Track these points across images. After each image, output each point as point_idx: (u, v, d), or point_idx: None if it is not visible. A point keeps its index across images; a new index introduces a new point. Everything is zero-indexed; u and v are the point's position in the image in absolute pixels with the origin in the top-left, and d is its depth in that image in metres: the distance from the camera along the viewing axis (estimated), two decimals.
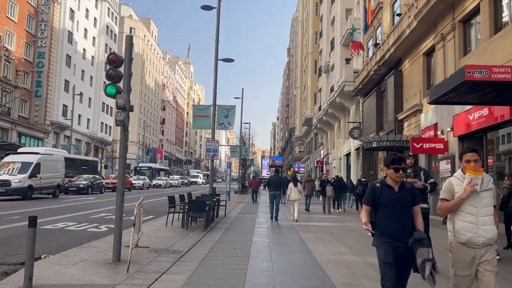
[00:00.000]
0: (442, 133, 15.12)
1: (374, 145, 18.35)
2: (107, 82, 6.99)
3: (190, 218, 11.46)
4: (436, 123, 15.75)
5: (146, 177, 50.69)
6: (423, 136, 16.59)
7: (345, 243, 9.45)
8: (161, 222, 12.16)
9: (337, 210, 19.54)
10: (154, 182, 53.22)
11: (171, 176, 66.60)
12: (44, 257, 7.21)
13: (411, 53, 18.75)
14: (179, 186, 58.31)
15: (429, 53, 17.27)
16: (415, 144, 14.85)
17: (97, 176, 35.06)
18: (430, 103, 10.07)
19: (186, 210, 11.22)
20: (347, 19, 31.07)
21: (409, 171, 6.90)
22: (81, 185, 29.42)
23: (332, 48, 34.97)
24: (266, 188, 27.91)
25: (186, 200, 13.03)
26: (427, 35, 16.74)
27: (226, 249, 8.36)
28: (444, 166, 14.83)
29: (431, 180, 6.91)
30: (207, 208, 11.13)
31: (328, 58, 36.78)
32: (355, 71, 27.80)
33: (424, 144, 14.85)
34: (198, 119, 18.88)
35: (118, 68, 7.05)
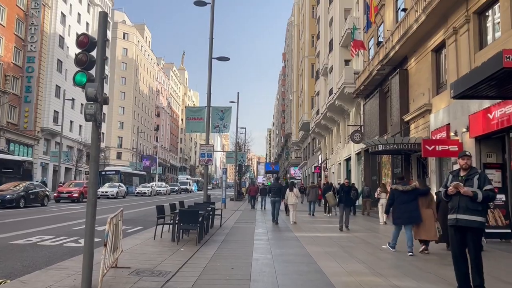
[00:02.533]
0: (456, 134, 13.94)
1: (380, 148, 17.16)
2: (77, 69, 5.75)
3: (181, 230, 10.17)
4: (449, 124, 14.57)
5: (122, 184, 43.50)
6: (433, 138, 15.41)
7: (359, 259, 8.18)
8: (150, 235, 10.86)
9: (328, 215, 20.79)
10: (137, 190, 48.41)
11: (158, 183, 60.35)
12: (1, 283, 5.92)
13: (418, 50, 17.63)
14: (169, 194, 54.12)
15: (439, 49, 16.14)
16: (427, 147, 13.68)
17: (36, 183, 27.65)
18: (454, 97, 8.89)
19: (176, 221, 9.93)
20: (346, 19, 30.03)
21: (462, 174, 5.62)
22: (8, 196, 22.21)
23: (331, 49, 33.89)
24: (260, 195, 28.02)
25: (178, 210, 11.79)
26: (437, 30, 15.61)
27: (222, 269, 7.08)
28: None
29: (488, 187, 5.42)
30: (200, 219, 9.84)
31: (326, 60, 35.69)
32: (356, 72, 26.69)
33: (436, 147, 13.65)
34: (191, 122, 17.62)
35: (90, 52, 5.81)
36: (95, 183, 5.58)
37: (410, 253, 8.68)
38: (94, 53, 5.83)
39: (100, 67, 5.68)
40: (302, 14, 53.26)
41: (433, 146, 13.65)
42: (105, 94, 6.17)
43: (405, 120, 18.58)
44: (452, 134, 14.15)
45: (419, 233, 9.04)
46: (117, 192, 39.25)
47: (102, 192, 37.28)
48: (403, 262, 8.00)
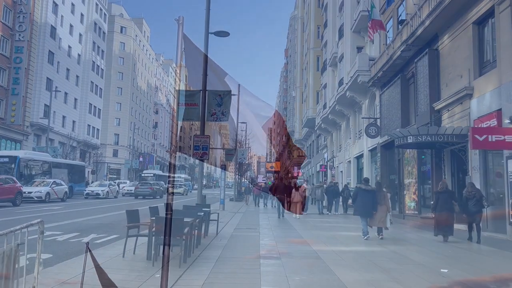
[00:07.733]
0: (511, 121, 11.16)
1: (409, 141, 14.34)
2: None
3: (160, 245, 7.38)
4: (500, 110, 11.79)
5: (62, 181, 29.76)
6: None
7: None
8: (121, 248, 8.02)
9: (330, 213, 21.64)
10: (87, 190, 34.21)
11: (127, 181, 48.13)
12: None
13: (453, 25, 14.82)
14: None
15: (482, 20, 13.35)
16: (477, 137, 10.90)
17: None
18: None
19: (152, 233, 7.13)
20: (358, 2, 27.24)
21: None
22: None
23: (341, 36, 31.06)
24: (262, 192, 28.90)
25: (166, 216, 9.01)
26: None
27: None
28: None
29: None
30: (186, 230, 7.03)
31: (336, 49, 32.86)
32: (371, 58, 23.90)
33: (489, 137, 10.88)
34: (183, 108, 14.77)
35: None
36: None
37: (367, 238, 11.05)
38: None
39: None
40: (307, 4, 50.47)
41: (485, 136, 10.87)
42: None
43: (436, 108, 15.80)
44: (506, 121, 11.34)
45: (374, 222, 11.33)
46: (48, 192, 26.04)
47: None
48: None
